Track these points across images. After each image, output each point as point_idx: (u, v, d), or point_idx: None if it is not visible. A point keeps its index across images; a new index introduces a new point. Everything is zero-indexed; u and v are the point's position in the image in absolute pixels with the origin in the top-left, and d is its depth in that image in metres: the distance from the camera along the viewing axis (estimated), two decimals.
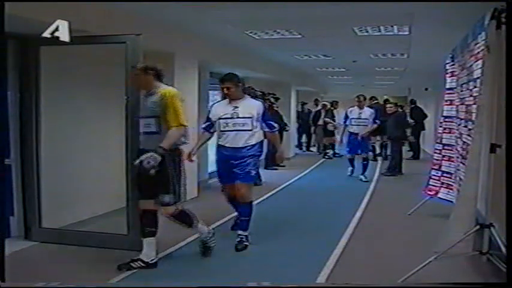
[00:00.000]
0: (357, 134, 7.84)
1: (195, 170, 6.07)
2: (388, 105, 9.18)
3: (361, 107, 7.88)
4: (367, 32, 5.51)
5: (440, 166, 5.19)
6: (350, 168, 8.29)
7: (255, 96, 7.28)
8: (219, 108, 4.23)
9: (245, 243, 4.09)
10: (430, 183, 5.32)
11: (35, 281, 3.17)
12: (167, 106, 3.36)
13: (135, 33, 3.78)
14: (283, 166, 9.55)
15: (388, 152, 11.63)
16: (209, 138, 4.41)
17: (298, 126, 13.13)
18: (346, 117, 7.94)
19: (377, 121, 7.83)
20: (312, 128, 13.05)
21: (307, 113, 13.39)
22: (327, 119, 11.65)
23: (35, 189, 4.10)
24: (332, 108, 12.19)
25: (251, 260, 3.82)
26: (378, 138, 11.04)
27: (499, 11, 2.99)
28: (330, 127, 11.50)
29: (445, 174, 5.09)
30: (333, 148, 11.84)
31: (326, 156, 11.63)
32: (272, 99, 8.59)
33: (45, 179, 4.14)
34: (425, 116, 11.64)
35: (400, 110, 9.45)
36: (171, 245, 4.02)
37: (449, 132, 5.00)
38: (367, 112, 7.85)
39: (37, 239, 4.09)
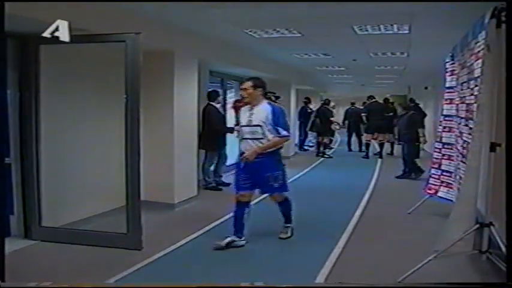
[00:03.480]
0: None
1: (195, 169, 6.07)
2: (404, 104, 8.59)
3: (253, 104, 4.09)
4: (367, 30, 5.50)
5: (440, 165, 5.19)
6: (226, 240, 4.02)
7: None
8: None
9: None
10: (430, 182, 5.32)
11: (34, 280, 3.17)
12: None
13: (134, 31, 3.78)
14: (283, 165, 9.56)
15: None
16: None
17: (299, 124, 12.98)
18: (237, 123, 4.65)
19: (280, 129, 4.01)
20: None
21: (309, 112, 12.98)
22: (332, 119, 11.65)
23: (34, 188, 4.10)
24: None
25: (249, 260, 3.82)
26: (387, 137, 11.02)
27: (499, 9, 2.98)
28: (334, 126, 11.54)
29: (444, 173, 5.09)
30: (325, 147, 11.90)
31: (325, 155, 11.64)
32: (273, 98, 8.57)
33: (45, 178, 4.15)
34: (424, 115, 11.65)
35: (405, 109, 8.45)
36: (168, 246, 4.02)
37: (449, 131, 5.00)
38: (262, 112, 4.03)
39: (37, 238, 4.09)
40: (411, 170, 8.07)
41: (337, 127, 11.51)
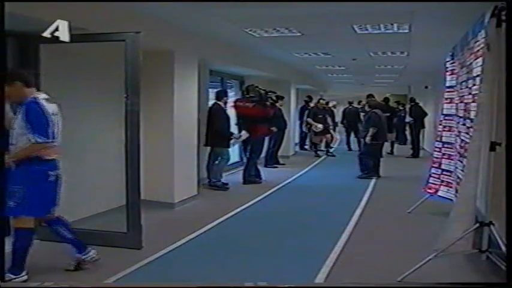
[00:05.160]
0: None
1: (195, 168, 6.07)
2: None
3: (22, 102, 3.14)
4: (366, 30, 5.50)
5: (440, 164, 5.19)
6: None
7: (259, 95, 7.38)
8: None
9: None
10: (430, 181, 5.32)
11: (35, 279, 3.18)
12: None
13: (134, 31, 3.78)
14: (283, 164, 9.57)
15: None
16: None
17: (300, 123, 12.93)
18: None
19: (32, 135, 3.03)
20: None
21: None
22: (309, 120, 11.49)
23: None
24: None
25: (250, 259, 3.82)
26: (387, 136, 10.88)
27: (499, 9, 2.98)
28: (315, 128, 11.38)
29: (444, 172, 5.09)
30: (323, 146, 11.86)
31: (317, 154, 11.62)
32: (274, 97, 8.54)
33: None
34: (425, 114, 11.65)
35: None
36: (168, 245, 4.01)
37: (449, 131, 5.00)
38: (21, 111, 3.10)
39: (37, 237, 4.08)
40: (372, 169, 8.02)
41: (315, 129, 11.36)
